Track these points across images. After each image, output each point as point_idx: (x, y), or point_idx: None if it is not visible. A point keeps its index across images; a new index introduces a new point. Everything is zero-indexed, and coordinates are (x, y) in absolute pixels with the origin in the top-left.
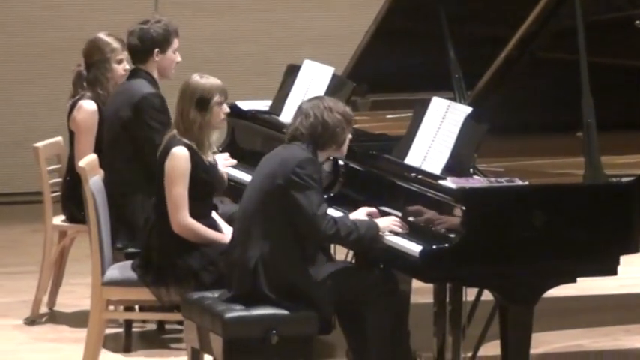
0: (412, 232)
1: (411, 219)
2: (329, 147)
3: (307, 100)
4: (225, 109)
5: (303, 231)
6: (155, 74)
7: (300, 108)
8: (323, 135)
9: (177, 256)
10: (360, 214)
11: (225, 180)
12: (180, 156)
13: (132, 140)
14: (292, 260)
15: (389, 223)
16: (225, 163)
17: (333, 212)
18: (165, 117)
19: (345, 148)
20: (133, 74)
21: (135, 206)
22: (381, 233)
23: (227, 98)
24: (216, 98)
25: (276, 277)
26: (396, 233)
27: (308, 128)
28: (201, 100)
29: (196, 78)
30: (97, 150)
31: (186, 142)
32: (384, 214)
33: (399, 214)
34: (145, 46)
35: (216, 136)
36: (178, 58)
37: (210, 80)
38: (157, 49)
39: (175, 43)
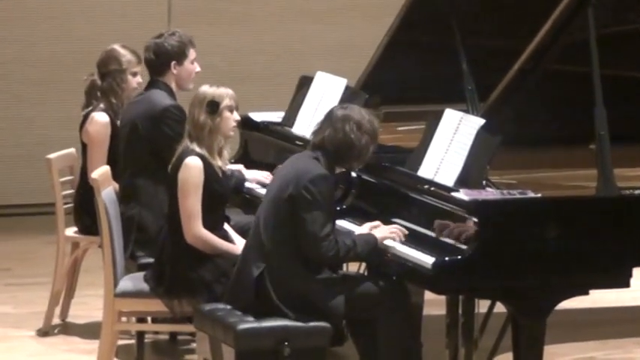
0: (424, 244)
1: (423, 231)
2: (349, 164)
3: (339, 108)
4: (236, 116)
5: (304, 248)
6: (173, 86)
7: (330, 116)
8: (348, 154)
9: (190, 268)
10: (364, 230)
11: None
12: (194, 166)
13: (151, 151)
14: (302, 271)
15: (386, 233)
16: (264, 181)
17: (346, 225)
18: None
19: (363, 161)
20: (151, 85)
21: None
22: (380, 245)
23: (237, 105)
24: (227, 102)
25: (286, 286)
26: (403, 243)
27: (335, 145)
28: (211, 104)
29: (206, 87)
30: (110, 161)
31: (199, 151)
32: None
33: (411, 226)
34: (161, 60)
35: (228, 149)
36: (197, 68)
37: (219, 89)
38: (173, 62)
39: (192, 53)
